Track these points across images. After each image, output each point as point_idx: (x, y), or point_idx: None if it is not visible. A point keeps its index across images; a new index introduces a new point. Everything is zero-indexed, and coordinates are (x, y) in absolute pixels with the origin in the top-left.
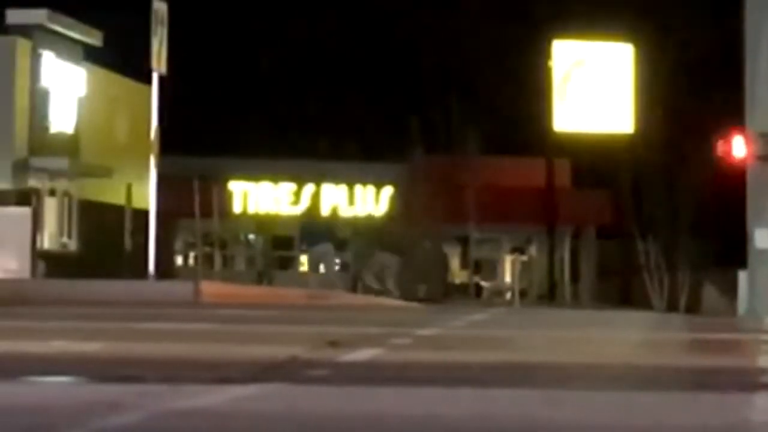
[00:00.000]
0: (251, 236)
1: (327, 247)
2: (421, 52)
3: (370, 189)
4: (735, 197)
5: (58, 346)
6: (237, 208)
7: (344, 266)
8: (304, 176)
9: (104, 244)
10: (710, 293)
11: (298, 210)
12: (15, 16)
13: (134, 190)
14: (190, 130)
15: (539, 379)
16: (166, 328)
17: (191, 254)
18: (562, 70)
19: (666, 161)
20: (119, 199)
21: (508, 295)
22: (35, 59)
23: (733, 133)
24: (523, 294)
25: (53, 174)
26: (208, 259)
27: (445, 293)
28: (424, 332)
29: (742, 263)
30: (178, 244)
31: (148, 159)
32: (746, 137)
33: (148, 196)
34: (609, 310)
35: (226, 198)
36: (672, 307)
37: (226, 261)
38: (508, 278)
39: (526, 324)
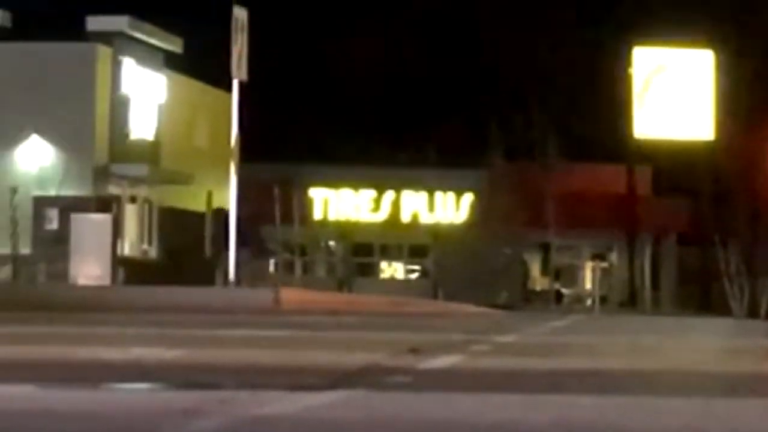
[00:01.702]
0: (331, 243)
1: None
2: (501, 59)
3: (451, 196)
4: None
5: (137, 352)
6: (317, 214)
7: (424, 273)
8: (385, 183)
9: (185, 250)
10: None
11: (379, 217)
12: (96, 23)
13: (215, 196)
14: (271, 137)
15: (619, 385)
16: (246, 335)
17: (272, 261)
18: (643, 76)
19: (746, 168)
20: (199, 205)
21: (589, 302)
22: (116, 66)
23: None
24: (603, 301)
25: (133, 181)
26: (289, 266)
27: (525, 300)
28: (504, 339)
29: None
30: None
31: (228, 166)
32: None
33: (229, 203)
34: (689, 317)
35: (306, 205)
36: (752, 313)
37: (307, 268)
38: (588, 285)
39: (607, 331)
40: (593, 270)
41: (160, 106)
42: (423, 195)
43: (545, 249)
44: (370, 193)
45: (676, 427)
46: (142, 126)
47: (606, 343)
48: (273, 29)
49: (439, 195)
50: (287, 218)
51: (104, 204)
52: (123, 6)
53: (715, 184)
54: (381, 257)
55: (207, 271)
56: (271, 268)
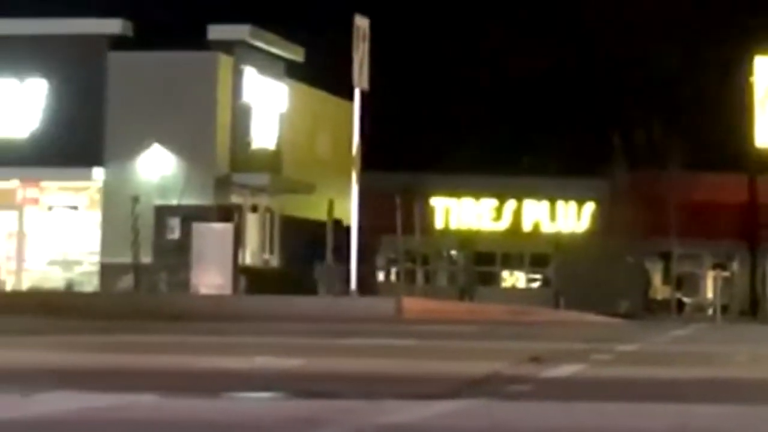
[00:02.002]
0: (453, 252)
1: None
2: (623, 68)
3: (572, 205)
4: None
5: (259, 362)
6: (439, 223)
7: (545, 282)
8: (506, 192)
9: (306, 259)
10: None
11: (500, 226)
12: (217, 32)
13: (336, 205)
14: (392, 146)
15: (739, 394)
16: (368, 344)
17: (393, 270)
18: (764, 85)
19: None
20: (321, 214)
21: (710, 311)
22: (237, 75)
23: None
24: (724, 310)
25: (255, 190)
26: (410, 275)
27: (646, 309)
28: (625, 348)
29: None
30: (380, 260)
31: (349, 175)
32: None
33: (350, 212)
34: None
35: (428, 214)
36: None
37: (428, 277)
38: (709, 294)
39: (728, 340)
40: (715, 279)
41: (281, 115)
42: (545, 204)
43: (666, 258)
44: (491, 202)
45: None
46: (264, 135)
47: (727, 352)
48: (394, 37)
49: (560, 204)
50: (409, 227)
51: (226, 213)
52: (244, 15)
53: None
54: (502, 266)
55: (328, 281)
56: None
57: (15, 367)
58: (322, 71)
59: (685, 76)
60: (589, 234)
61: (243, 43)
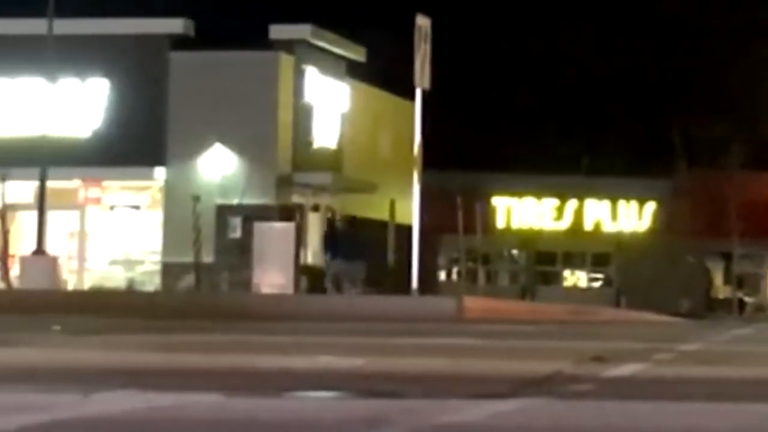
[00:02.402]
0: (514, 251)
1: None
2: (685, 68)
3: (633, 204)
4: None
5: (320, 361)
6: (500, 223)
7: (607, 281)
8: (568, 191)
9: (367, 259)
10: None
11: (562, 225)
12: (279, 31)
13: (397, 205)
14: (454, 146)
15: None
16: (429, 344)
17: (454, 269)
18: None
19: None
20: (382, 214)
21: None
22: (298, 75)
23: None
24: None
25: (316, 189)
26: (472, 275)
27: (708, 308)
28: (687, 347)
29: None
30: (442, 260)
31: (411, 174)
32: None
33: (412, 212)
34: None
35: (489, 213)
36: None
37: (490, 276)
38: None
39: None
40: None
41: (342, 115)
42: (606, 203)
43: (727, 257)
44: (552, 202)
45: None
46: (325, 134)
47: None
48: (455, 37)
49: (622, 203)
50: (470, 227)
51: (287, 212)
52: (306, 14)
53: None
54: (564, 266)
55: (390, 280)
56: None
57: (77, 367)
58: (383, 71)
59: (746, 76)
60: (650, 233)
61: (304, 43)
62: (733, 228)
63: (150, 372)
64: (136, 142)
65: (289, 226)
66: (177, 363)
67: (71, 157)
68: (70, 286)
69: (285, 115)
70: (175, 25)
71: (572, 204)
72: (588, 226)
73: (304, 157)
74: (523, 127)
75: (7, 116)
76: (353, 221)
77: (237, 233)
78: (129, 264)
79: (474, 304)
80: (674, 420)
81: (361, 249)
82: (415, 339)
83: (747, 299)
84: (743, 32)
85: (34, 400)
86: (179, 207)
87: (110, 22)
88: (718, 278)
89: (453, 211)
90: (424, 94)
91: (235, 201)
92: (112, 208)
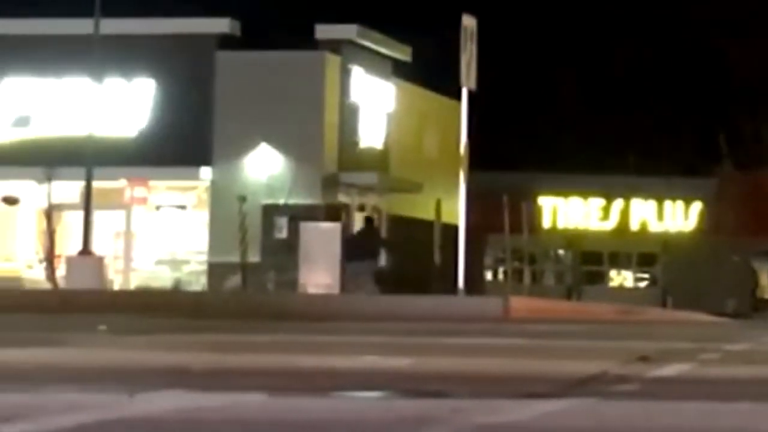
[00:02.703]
0: (560, 251)
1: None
2: (730, 67)
3: (679, 204)
4: None
5: (367, 361)
6: (546, 223)
7: (653, 281)
8: (614, 191)
9: (413, 259)
10: None
11: (608, 225)
12: (324, 31)
13: (443, 205)
14: (499, 145)
15: None
16: (476, 344)
17: (500, 269)
18: None
19: None
20: (428, 214)
21: None
22: (344, 74)
23: None
24: None
25: (362, 189)
26: (517, 275)
27: (753, 308)
28: (733, 347)
29: None
30: (488, 260)
31: (457, 174)
32: None
33: (457, 211)
34: None
35: (535, 213)
36: None
37: (535, 276)
38: None
39: None
40: None
41: (388, 115)
42: (652, 203)
43: None
44: (598, 202)
45: None
46: (371, 134)
47: None
48: (501, 37)
49: (668, 203)
50: (516, 226)
51: (333, 212)
52: (352, 14)
53: None
54: (610, 265)
55: (436, 280)
56: (500, 276)
57: (122, 367)
58: (429, 71)
59: None
60: (696, 233)
61: (350, 43)
62: None
63: (196, 372)
64: (182, 141)
65: (335, 226)
66: (222, 363)
67: (117, 156)
68: (116, 286)
69: (331, 115)
70: (221, 25)
71: (618, 204)
72: (634, 225)
73: (350, 156)
74: (570, 126)
75: (53, 116)
76: (370, 220)
77: (283, 233)
78: (175, 264)
79: (520, 304)
80: (723, 420)
81: (374, 249)
82: (462, 339)
83: None
84: None
85: (79, 399)
86: (225, 207)
87: (157, 21)
88: (764, 278)
89: (499, 211)
90: (471, 94)
91: (281, 201)
92: (158, 208)
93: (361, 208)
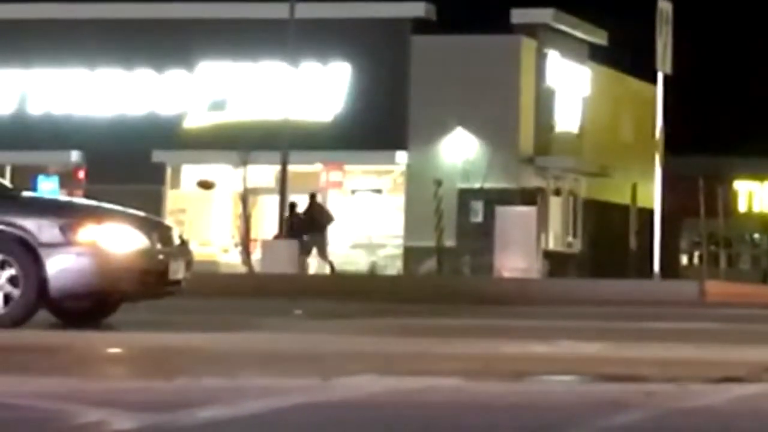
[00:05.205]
0: (756, 235)
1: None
2: None
3: None
4: None
5: (561, 345)
6: (742, 207)
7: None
8: None
9: (609, 243)
10: None
11: None
12: (520, 15)
13: (639, 189)
14: (695, 129)
15: None
16: (671, 328)
17: (696, 253)
18: None
19: None
20: (624, 198)
21: None
22: (540, 58)
23: None
24: None
25: (558, 173)
26: (713, 259)
27: None
28: None
29: None
30: (683, 244)
31: (652, 158)
32: None
33: (653, 196)
34: None
35: (731, 197)
36: None
37: (731, 260)
38: None
39: None
40: None
41: (584, 99)
42: None
43: None
44: None
45: None
46: (567, 118)
47: None
48: (697, 19)
49: None
50: (711, 210)
51: (529, 196)
52: None
53: None
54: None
55: (632, 264)
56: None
57: (317, 351)
58: (625, 54)
59: None
60: None
61: (546, 27)
62: None
63: (391, 356)
64: (377, 126)
65: (531, 210)
66: (417, 347)
67: (313, 141)
68: (312, 270)
69: (527, 99)
70: (417, 9)
71: None
72: None
73: (546, 140)
74: (765, 109)
75: (249, 100)
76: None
77: (479, 217)
78: (371, 248)
79: (715, 288)
80: None
81: (316, 223)
82: (657, 323)
83: None
84: None
85: (275, 384)
86: (421, 191)
87: (352, 5)
88: None
89: (695, 195)
90: (667, 78)
91: (476, 185)
92: (353, 192)
93: (557, 192)
